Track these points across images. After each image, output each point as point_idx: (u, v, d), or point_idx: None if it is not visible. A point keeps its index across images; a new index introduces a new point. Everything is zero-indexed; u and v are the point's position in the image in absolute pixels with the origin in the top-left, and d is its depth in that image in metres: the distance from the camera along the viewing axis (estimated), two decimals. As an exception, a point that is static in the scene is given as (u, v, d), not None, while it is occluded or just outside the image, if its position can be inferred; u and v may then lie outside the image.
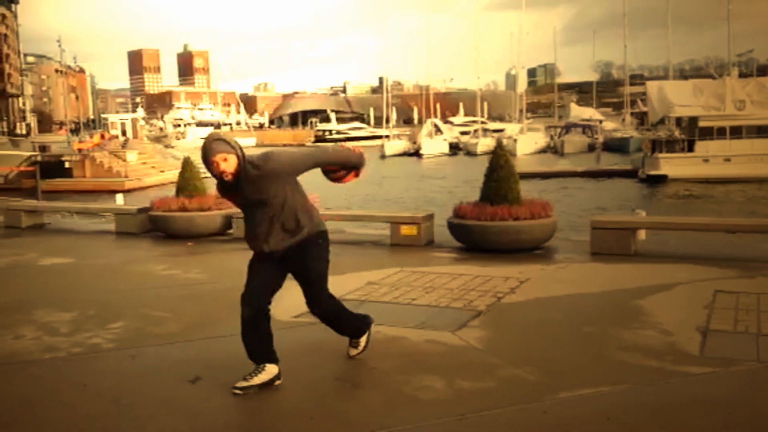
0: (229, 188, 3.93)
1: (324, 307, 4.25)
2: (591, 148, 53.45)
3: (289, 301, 6.31)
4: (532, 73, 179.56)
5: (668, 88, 36.86)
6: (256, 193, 3.89)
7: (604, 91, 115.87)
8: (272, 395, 4.08)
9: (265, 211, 3.95)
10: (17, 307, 6.41)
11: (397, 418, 3.75)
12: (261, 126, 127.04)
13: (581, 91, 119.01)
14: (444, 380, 4.26)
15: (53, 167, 37.96)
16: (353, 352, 4.56)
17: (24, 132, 65.80)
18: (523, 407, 3.84)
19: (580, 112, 69.74)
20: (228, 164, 3.77)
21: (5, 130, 64.26)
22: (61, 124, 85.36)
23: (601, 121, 64.55)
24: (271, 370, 4.07)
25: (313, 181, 4.83)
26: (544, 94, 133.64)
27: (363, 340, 4.56)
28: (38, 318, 5.95)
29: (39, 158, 38.93)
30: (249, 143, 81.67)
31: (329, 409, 3.88)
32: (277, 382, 4.09)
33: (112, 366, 4.73)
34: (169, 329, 5.52)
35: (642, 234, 8.76)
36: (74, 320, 5.82)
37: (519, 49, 66.30)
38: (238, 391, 3.96)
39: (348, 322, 4.49)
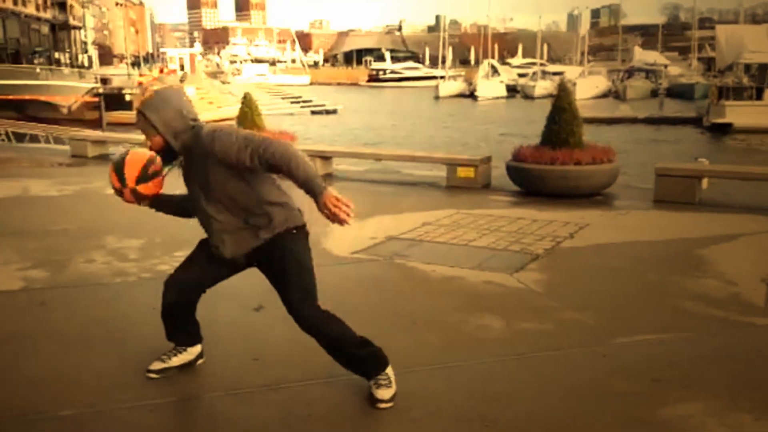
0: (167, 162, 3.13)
1: (306, 319, 3.10)
2: (654, 93, 51.69)
3: (347, 237, 6.43)
4: (595, 14, 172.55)
5: (738, 32, 35.14)
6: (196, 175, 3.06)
7: (670, 34, 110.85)
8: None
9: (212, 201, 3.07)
10: (87, 233, 6.66)
11: (456, 354, 3.81)
12: (315, 64, 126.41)
13: (646, 34, 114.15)
14: (503, 320, 4.29)
15: (114, 99, 38.75)
16: (383, 393, 3.15)
17: (86, 64, 67.04)
18: (583, 349, 3.85)
19: (644, 56, 67.19)
20: (154, 141, 3.03)
21: (68, 61, 65.51)
22: (121, 57, 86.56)
23: (666, 66, 62.14)
24: (193, 350, 3.55)
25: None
26: (608, 36, 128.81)
27: (389, 374, 3.23)
28: (108, 244, 6.19)
29: (101, 90, 39.77)
30: (303, 81, 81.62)
31: (387, 344, 3.88)
32: (200, 361, 3.57)
33: (180, 292, 4.89)
34: (232, 260, 5.66)
35: (704, 183, 8.53)
36: (142, 247, 6.03)
37: (583, -12, 63.86)
38: (153, 375, 3.42)
39: (350, 350, 3.20)
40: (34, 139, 20.88)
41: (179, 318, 3.43)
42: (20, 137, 20.73)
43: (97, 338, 4.01)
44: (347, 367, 3.25)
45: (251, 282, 5.08)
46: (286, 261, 3.08)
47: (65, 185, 9.51)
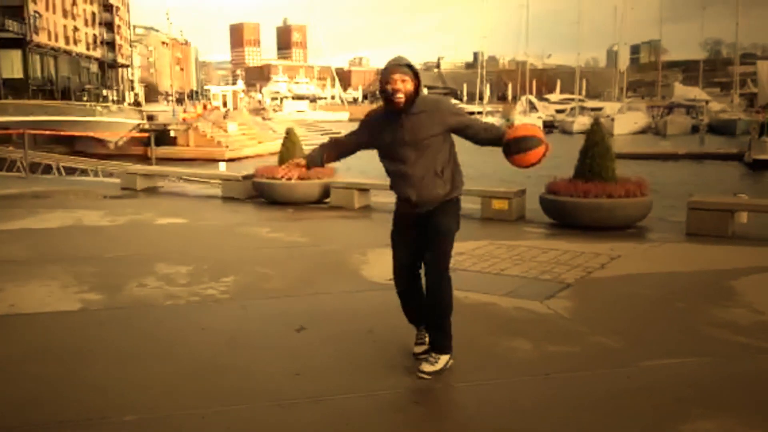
0: (383, 119, 3.76)
1: (441, 274, 3.83)
2: (695, 129, 51.34)
3: (383, 264, 6.67)
4: (635, 49, 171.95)
5: (782, 67, 34.88)
6: (416, 130, 3.68)
7: (711, 70, 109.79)
8: (369, 347, 4.42)
9: (419, 155, 3.71)
10: (139, 260, 7.05)
11: (486, 374, 4.02)
12: (355, 101, 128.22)
13: (687, 70, 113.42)
14: (531, 343, 4.48)
15: (159, 135, 39.99)
16: (428, 368, 3.90)
17: (133, 101, 69.25)
18: (608, 371, 4.02)
19: (684, 92, 66.90)
20: (405, 86, 3.67)
21: (115, 98, 67.74)
22: (166, 94, 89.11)
23: (707, 102, 61.75)
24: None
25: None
26: (648, 72, 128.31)
27: (443, 359, 3.95)
28: (158, 270, 6.55)
29: (147, 126, 41.12)
30: (342, 117, 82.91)
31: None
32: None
33: (226, 314, 5.21)
34: (275, 285, 5.98)
35: (743, 217, 8.59)
36: (190, 273, 6.38)
37: (622, 24, 64.17)
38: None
39: (446, 323, 3.95)
40: (84, 173, 21.66)
41: (416, 301, 4.06)
42: (70, 171, 21.53)
43: (151, 353, 4.33)
44: (435, 334, 3.95)
45: (293, 307, 5.40)
46: (443, 225, 3.80)
47: (116, 216, 9.98)
